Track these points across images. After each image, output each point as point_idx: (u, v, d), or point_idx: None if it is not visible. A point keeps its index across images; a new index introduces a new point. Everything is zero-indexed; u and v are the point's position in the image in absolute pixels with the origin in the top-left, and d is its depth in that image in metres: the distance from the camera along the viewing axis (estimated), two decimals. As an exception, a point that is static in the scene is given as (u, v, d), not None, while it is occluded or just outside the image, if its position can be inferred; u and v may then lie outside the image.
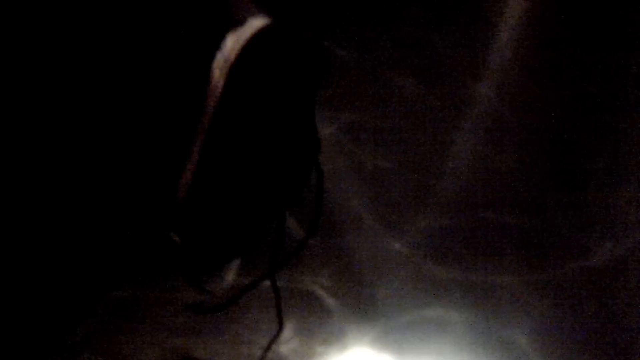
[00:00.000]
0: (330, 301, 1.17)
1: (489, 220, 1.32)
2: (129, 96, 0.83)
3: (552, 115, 1.59)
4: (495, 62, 1.76)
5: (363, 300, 1.18)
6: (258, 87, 0.83)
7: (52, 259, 1.01)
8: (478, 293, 1.20)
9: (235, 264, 1.10)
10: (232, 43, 0.79)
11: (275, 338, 1.10)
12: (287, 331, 1.10)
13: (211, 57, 0.80)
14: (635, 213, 1.36)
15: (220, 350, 1.10)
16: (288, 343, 1.10)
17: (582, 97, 1.64)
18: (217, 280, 1.11)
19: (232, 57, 0.79)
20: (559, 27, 1.87)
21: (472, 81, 1.66)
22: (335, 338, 1.12)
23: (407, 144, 1.48)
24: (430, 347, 1.12)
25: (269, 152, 0.88)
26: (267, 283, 1.03)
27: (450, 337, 1.13)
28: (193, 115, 0.81)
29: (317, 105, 0.90)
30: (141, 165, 0.86)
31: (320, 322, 1.14)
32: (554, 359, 1.11)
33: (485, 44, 1.79)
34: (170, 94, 0.83)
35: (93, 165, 0.86)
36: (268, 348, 1.09)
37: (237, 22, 0.81)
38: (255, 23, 0.81)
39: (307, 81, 0.89)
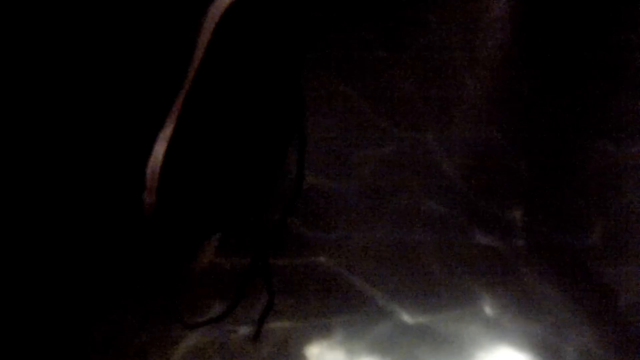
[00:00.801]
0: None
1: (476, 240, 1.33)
2: (112, 56, 0.83)
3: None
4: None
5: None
6: (243, 45, 0.84)
7: (46, 256, 1.00)
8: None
9: (213, 243, 1.09)
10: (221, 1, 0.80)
11: (266, 311, 1.10)
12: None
13: (200, 15, 0.81)
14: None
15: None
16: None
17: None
18: (194, 259, 1.10)
19: (219, 13, 0.80)
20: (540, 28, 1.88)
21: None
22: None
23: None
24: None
25: (252, 116, 0.88)
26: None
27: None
28: (175, 74, 0.81)
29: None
30: (121, 124, 0.85)
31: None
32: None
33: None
34: (155, 52, 0.83)
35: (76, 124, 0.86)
36: (261, 322, 1.09)
37: None
38: None
39: (293, 42, 0.89)
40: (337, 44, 1.72)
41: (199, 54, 0.80)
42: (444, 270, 1.23)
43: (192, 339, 1.10)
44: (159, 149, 0.81)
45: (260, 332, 1.08)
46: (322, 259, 1.23)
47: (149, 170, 0.83)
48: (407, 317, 1.15)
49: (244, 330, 1.12)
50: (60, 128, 0.87)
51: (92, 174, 0.91)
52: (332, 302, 1.17)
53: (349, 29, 1.76)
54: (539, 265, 1.25)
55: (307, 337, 1.11)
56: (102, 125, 0.88)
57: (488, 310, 1.17)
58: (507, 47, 1.80)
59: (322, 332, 1.12)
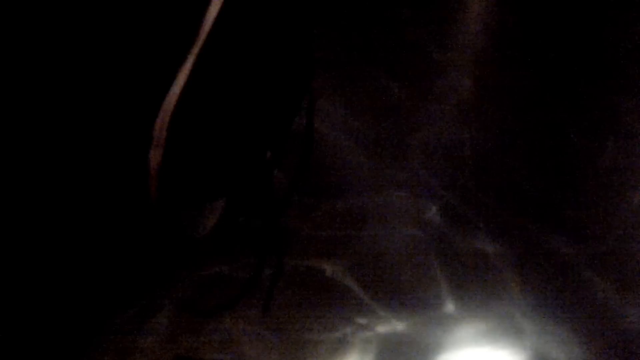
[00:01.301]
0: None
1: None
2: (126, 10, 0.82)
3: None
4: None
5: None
6: (255, 5, 0.83)
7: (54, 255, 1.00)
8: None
9: (218, 207, 1.08)
10: None
11: (276, 278, 1.12)
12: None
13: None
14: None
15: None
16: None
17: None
18: (198, 223, 1.09)
19: None
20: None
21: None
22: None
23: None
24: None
25: (263, 74, 0.87)
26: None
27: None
28: (187, 29, 0.80)
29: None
30: (133, 76, 0.84)
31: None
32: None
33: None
34: (170, 8, 0.82)
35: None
36: (270, 291, 1.11)
37: None
38: None
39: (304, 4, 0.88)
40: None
41: (213, 10, 0.80)
42: (441, 275, 1.24)
43: (193, 336, 1.12)
44: (170, 101, 0.80)
45: (270, 304, 1.10)
46: (321, 261, 1.24)
47: (157, 124, 0.81)
48: (405, 322, 1.17)
49: (245, 327, 1.14)
50: (64, 88, 0.86)
51: (97, 133, 0.89)
52: (331, 305, 1.18)
53: (326, 31, 1.74)
54: (533, 270, 1.26)
55: (305, 339, 1.14)
56: (108, 81, 0.86)
57: (484, 317, 1.19)
58: (496, 45, 1.77)
59: (321, 334, 1.14)
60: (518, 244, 1.30)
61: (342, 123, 1.51)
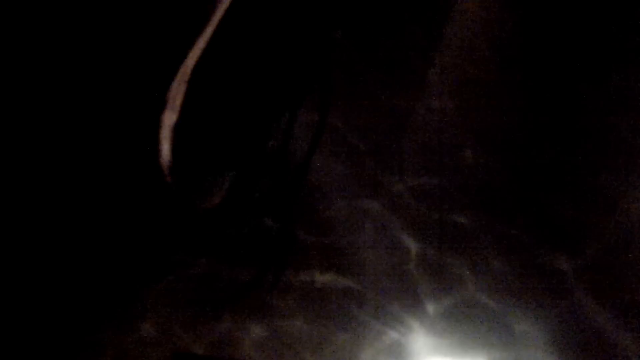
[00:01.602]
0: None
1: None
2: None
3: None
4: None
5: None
6: None
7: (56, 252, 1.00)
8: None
9: (228, 178, 1.07)
10: None
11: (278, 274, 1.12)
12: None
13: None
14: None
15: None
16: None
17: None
18: (206, 195, 1.08)
19: None
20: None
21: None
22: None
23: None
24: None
25: (275, 46, 0.88)
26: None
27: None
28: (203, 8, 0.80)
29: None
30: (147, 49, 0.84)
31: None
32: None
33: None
34: None
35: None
36: (276, 281, 1.12)
37: None
38: None
39: None
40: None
41: None
42: (438, 279, 1.24)
43: (193, 334, 1.11)
44: (187, 66, 0.80)
45: (274, 287, 1.11)
46: (319, 265, 1.24)
47: (172, 88, 0.81)
48: (402, 325, 1.17)
49: (245, 326, 1.14)
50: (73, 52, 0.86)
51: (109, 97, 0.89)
52: (328, 309, 1.18)
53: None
54: (528, 279, 1.25)
55: (304, 338, 1.14)
56: (118, 48, 0.86)
57: (476, 323, 1.19)
58: (496, 45, 1.78)
59: (319, 335, 1.14)
60: (516, 249, 1.30)
61: (341, 123, 1.51)
